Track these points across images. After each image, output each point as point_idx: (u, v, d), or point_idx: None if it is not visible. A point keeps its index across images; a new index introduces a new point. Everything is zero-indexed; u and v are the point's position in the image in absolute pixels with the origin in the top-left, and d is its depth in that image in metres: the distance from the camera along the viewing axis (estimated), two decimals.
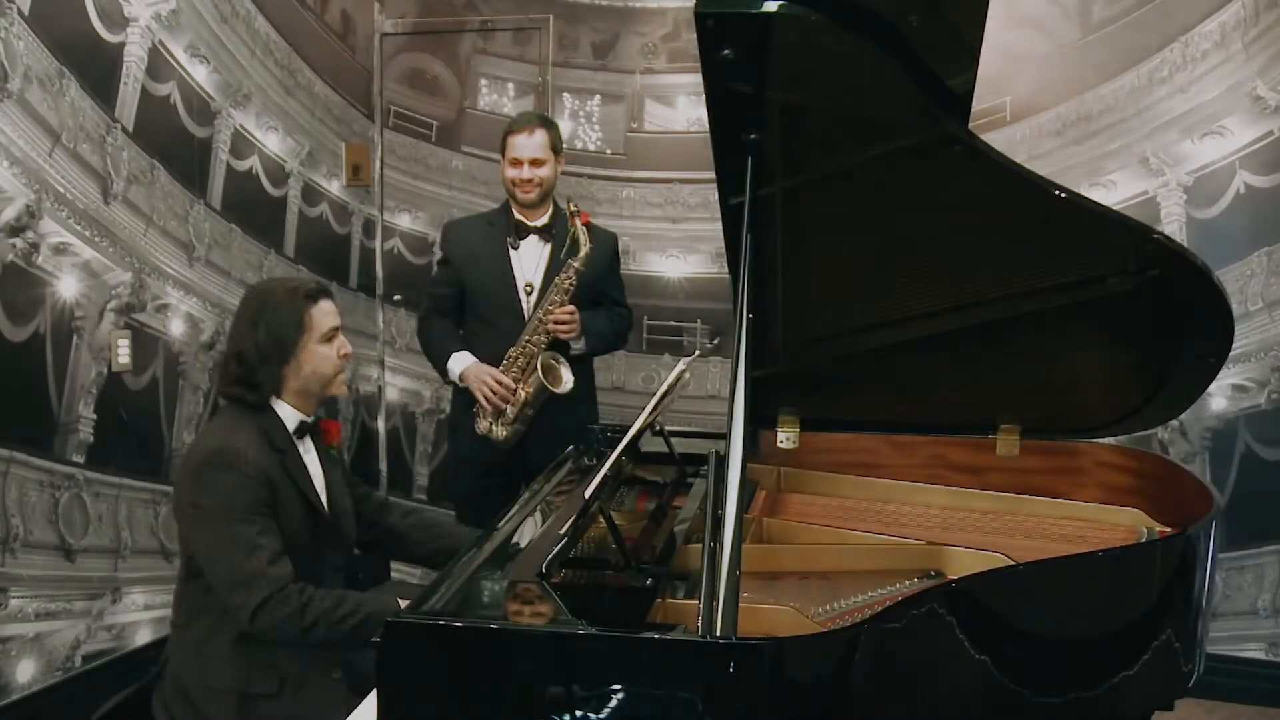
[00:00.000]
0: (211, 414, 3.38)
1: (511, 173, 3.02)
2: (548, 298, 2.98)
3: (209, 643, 2.08)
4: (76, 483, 2.97)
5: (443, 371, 3.12)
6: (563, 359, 3.01)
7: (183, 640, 2.13)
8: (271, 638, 2.01)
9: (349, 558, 2.26)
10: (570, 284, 2.96)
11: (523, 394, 2.99)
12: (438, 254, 3.39)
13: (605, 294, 3.17)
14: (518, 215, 3.07)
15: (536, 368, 2.96)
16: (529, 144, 3.00)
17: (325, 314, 2.16)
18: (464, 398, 3.12)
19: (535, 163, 3.00)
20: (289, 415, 2.16)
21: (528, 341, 2.99)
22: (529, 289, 3.06)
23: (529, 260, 3.07)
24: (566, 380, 2.99)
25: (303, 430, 2.19)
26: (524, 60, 4.17)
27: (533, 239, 3.07)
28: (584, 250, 2.94)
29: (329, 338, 2.16)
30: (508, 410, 3.00)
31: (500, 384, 2.98)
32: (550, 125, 3.07)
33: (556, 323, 2.96)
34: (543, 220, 3.07)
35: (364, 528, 2.36)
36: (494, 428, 3.03)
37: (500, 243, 3.07)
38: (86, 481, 3.01)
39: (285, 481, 2.09)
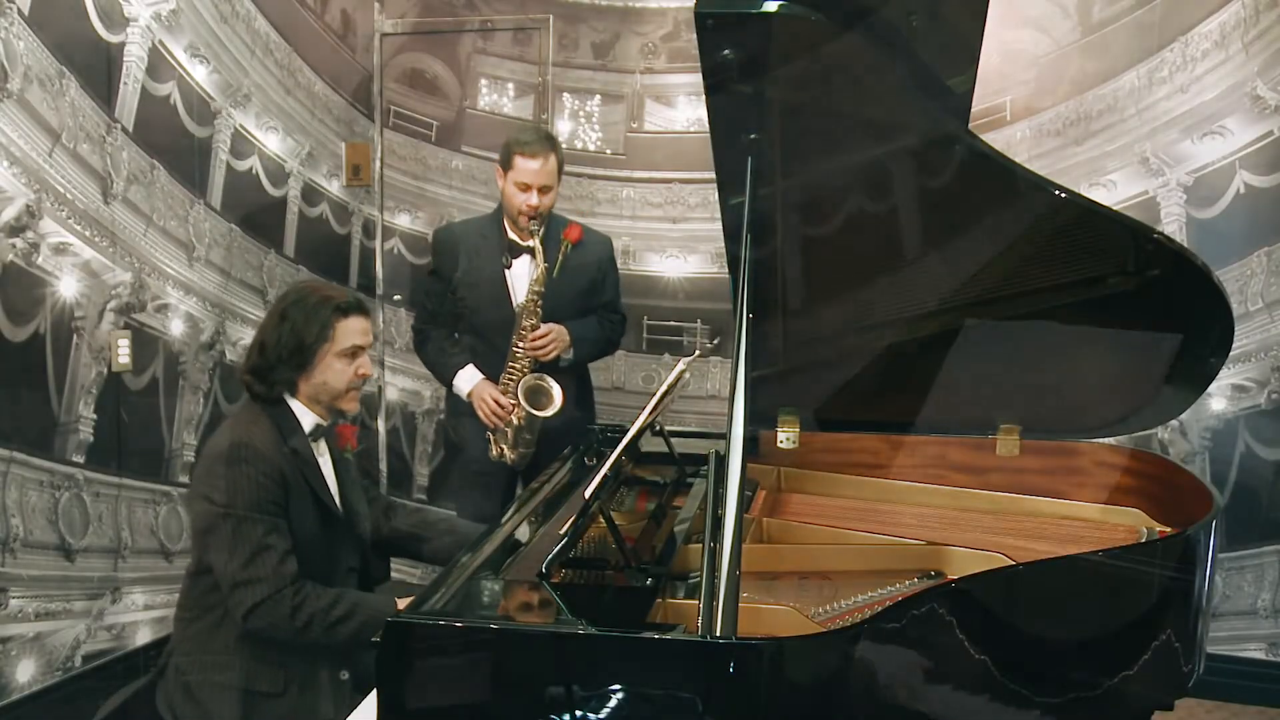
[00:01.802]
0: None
1: (521, 197, 2.94)
2: (519, 323, 2.96)
3: (215, 638, 2.08)
4: (76, 483, 2.97)
5: (449, 387, 3.12)
6: (547, 377, 2.98)
7: (188, 633, 2.13)
8: (266, 636, 2.02)
9: (364, 558, 2.26)
10: (535, 303, 2.94)
11: (516, 420, 2.99)
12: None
13: (599, 298, 3.15)
14: (511, 235, 3.03)
15: (518, 398, 2.95)
16: (542, 172, 2.92)
17: (351, 330, 2.15)
18: (463, 401, 3.11)
19: (544, 190, 2.95)
20: (306, 416, 2.17)
21: (512, 368, 2.98)
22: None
23: (521, 280, 3.02)
24: (556, 400, 2.96)
25: (318, 433, 2.19)
26: (524, 60, 4.17)
27: (525, 259, 3.02)
28: (540, 269, 2.92)
29: (349, 354, 2.15)
30: (509, 434, 3.01)
31: (500, 404, 2.98)
32: (558, 147, 3.00)
33: (533, 349, 2.95)
34: (534, 241, 2.99)
35: (371, 530, 2.36)
36: (506, 452, 3.03)
37: (494, 261, 3.04)
38: (86, 481, 3.01)
39: (298, 480, 2.10)
